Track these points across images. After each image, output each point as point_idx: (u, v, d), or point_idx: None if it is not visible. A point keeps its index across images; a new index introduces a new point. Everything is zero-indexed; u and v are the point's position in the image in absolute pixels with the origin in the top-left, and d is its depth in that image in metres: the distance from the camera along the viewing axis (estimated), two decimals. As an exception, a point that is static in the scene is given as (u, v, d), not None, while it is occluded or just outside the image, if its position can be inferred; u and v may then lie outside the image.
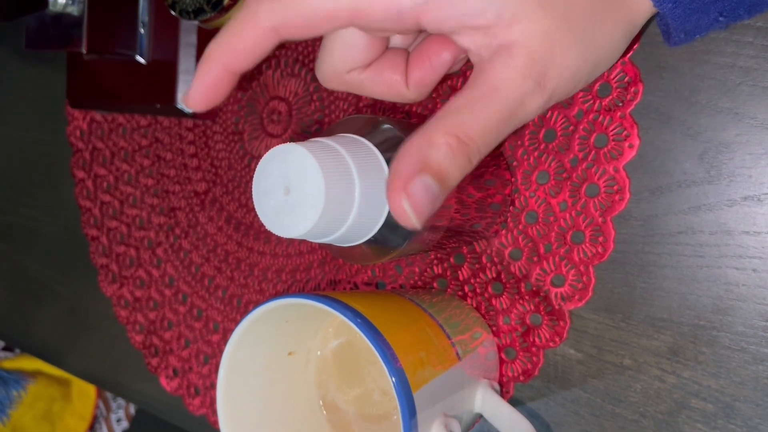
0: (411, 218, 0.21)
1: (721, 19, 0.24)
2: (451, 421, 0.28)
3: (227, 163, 0.44)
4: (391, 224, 0.26)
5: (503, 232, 0.33)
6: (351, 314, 0.27)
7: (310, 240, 0.25)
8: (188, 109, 0.44)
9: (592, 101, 0.31)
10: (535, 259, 0.32)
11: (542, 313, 0.32)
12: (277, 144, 0.33)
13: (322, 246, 0.40)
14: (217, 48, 0.23)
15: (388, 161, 0.26)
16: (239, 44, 0.23)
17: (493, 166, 0.32)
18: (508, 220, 0.33)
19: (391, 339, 0.27)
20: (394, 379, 0.26)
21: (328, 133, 0.27)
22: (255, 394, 0.32)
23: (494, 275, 0.34)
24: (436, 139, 0.21)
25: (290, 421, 0.33)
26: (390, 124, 0.27)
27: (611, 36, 0.23)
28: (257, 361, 0.31)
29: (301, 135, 0.41)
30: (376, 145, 0.26)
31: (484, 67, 0.22)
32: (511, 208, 0.33)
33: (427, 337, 0.29)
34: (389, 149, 0.26)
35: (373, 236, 0.26)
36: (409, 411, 0.26)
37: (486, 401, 0.30)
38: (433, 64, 0.25)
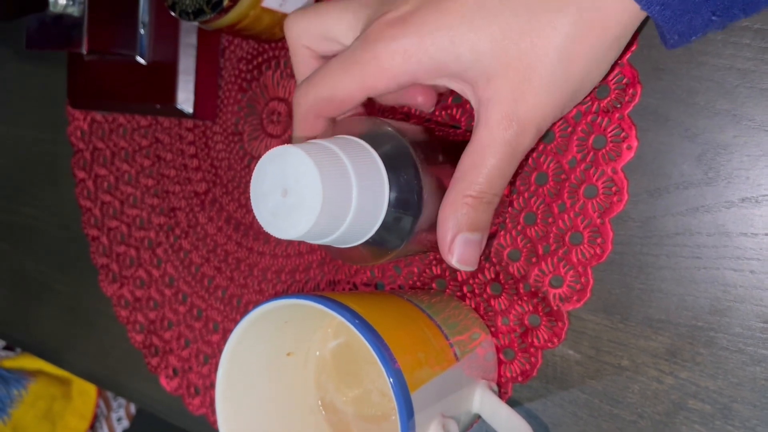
0: (463, 269, 0.28)
1: (714, 18, 0.24)
2: (449, 421, 0.28)
3: (227, 164, 0.45)
4: (389, 226, 0.26)
5: (502, 233, 0.33)
6: (349, 315, 0.27)
7: (308, 241, 0.25)
8: (188, 109, 0.44)
9: (590, 103, 0.31)
10: (534, 260, 0.33)
11: (541, 313, 0.33)
12: (277, 145, 0.34)
13: (321, 246, 0.40)
14: (296, 141, 0.30)
15: (386, 162, 0.26)
16: (307, 133, 0.30)
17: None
18: (507, 221, 0.33)
19: (389, 340, 0.27)
20: (391, 379, 0.26)
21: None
22: (254, 395, 0.32)
23: (493, 276, 0.34)
24: (458, 203, 0.27)
25: (289, 422, 0.33)
26: (388, 125, 0.27)
27: (586, 63, 0.26)
28: (256, 361, 0.31)
29: (301, 135, 0.41)
30: (374, 147, 0.26)
31: (475, 124, 0.27)
32: (509, 209, 0.33)
33: (426, 337, 0.29)
34: (387, 150, 0.26)
35: (371, 237, 0.26)
36: (407, 411, 0.26)
37: (484, 402, 0.31)
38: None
